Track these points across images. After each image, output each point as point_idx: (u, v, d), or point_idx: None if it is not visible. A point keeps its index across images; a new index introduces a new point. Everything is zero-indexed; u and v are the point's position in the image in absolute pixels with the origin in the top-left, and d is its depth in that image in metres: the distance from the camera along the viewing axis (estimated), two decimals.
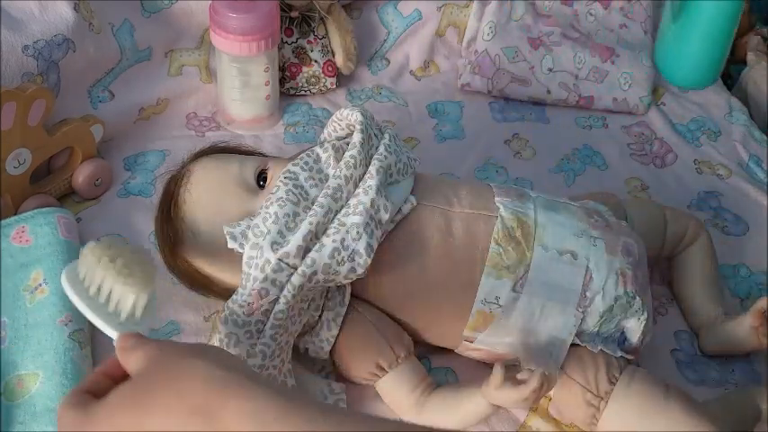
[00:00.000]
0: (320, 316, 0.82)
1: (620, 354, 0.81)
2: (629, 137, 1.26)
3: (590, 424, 0.80)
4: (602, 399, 0.78)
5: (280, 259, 0.75)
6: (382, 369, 0.81)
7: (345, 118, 0.87)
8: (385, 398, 0.83)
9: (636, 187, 1.16)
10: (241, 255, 0.78)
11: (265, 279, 0.75)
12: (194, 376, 0.54)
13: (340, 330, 0.82)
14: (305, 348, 0.84)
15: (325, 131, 0.91)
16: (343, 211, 0.79)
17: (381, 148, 0.84)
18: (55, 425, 0.75)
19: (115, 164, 1.10)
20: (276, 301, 0.76)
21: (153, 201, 1.03)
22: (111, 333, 0.67)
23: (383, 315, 0.83)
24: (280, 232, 0.77)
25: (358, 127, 0.84)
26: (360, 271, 0.77)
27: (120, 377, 0.60)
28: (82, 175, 1.03)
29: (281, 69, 1.23)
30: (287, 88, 1.24)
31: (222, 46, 1.10)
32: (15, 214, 0.95)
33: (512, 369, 0.78)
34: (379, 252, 0.79)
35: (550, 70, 1.28)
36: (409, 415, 0.81)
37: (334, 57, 1.26)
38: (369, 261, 0.77)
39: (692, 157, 1.23)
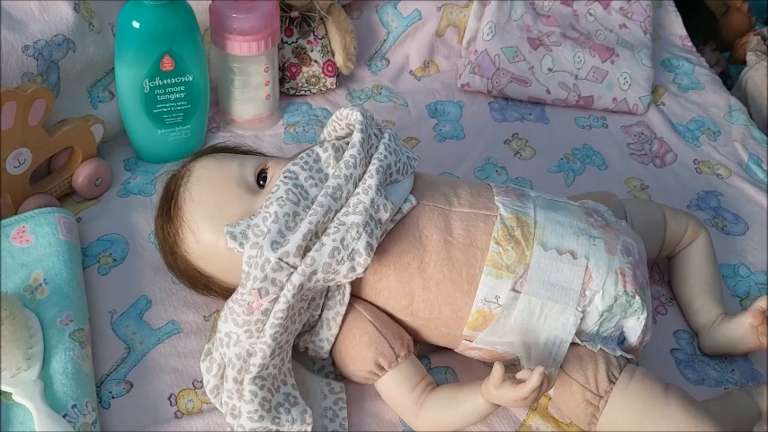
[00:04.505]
0: (320, 315, 0.82)
1: (619, 353, 0.81)
2: (629, 137, 1.26)
3: (589, 423, 0.80)
4: (601, 398, 0.78)
5: (279, 258, 0.75)
6: (382, 368, 0.81)
7: (345, 118, 0.87)
8: (385, 397, 0.83)
9: (636, 187, 1.16)
10: (241, 254, 0.78)
11: (265, 278, 0.75)
12: None
13: (340, 330, 0.82)
14: (305, 348, 0.84)
15: (325, 131, 0.91)
16: (342, 211, 0.79)
17: (381, 148, 0.84)
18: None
19: (115, 164, 1.10)
20: (276, 300, 0.76)
21: (153, 201, 1.03)
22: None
23: (383, 314, 0.83)
24: (280, 231, 0.77)
25: (358, 126, 0.84)
26: (359, 270, 0.77)
27: None
28: (82, 175, 1.03)
29: (281, 69, 1.23)
30: (287, 88, 1.25)
31: (222, 46, 1.10)
32: (15, 214, 0.95)
33: (511, 368, 0.78)
34: (378, 251, 0.79)
35: (550, 70, 1.28)
36: (409, 414, 0.81)
37: (334, 57, 1.26)
38: (369, 260, 0.77)
39: (691, 156, 1.23)
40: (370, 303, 0.83)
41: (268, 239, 0.76)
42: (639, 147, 1.24)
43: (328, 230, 0.77)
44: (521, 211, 0.83)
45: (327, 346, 0.82)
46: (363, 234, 0.77)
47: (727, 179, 1.19)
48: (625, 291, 0.81)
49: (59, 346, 0.81)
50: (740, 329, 0.89)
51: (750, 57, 1.50)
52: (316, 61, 1.24)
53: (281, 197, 0.79)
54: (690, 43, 1.48)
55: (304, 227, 0.77)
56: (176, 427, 0.81)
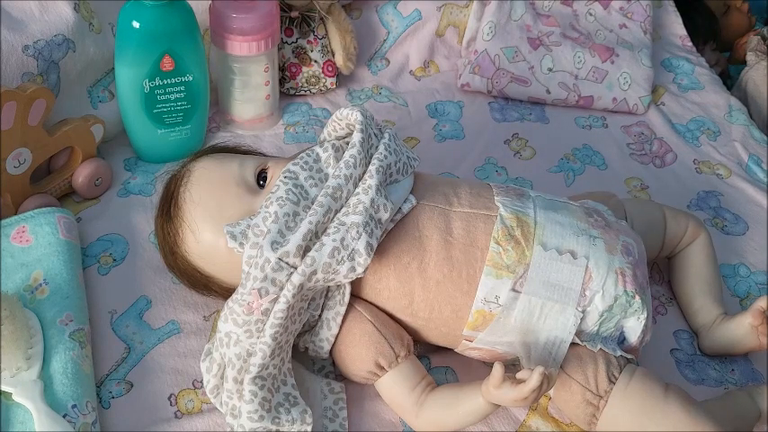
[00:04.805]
0: (320, 315, 0.82)
1: (619, 353, 0.81)
2: (629, 137, 1.26)
3: (589, 423, 0.80)
4: (601, 398, 0.78)
5: (279, 258, 0.75)
6: (382, 368, 0.81)
7: (345, 117, 0.87)
8: (385, 397, 0.83)
9: (635, 187, 1.16)
10: (241, 254, 0.78)
11: (265, 278, 0.75)
12: None
13: (340, 330, 0.82)
14: (305, 348, 0.84)
15: (325, 131, 0.91)
16: (342, 211, 0.79)
17: (381, 148, 0.84)
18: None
19: (115, 164, 1.10)
20: (276, 300, 0.76)
21: (153, 200, 1.03)
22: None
23: (383, 314, 0.83)
24: (280, 231, 0.77)
25: (358, 126, 0.84)
26: (359, 270, 0.77)
27: None
28: (82, 175, 1.03)
29: (281, 69, 1.23)
30: (287, 88, 1.25)
31: (222, 46, 1.10)
32: (15, 214, 0.95)
33: (511, 368, 0.78)
34: (378, 251, 0.79)
35: (550, 70, 1.28)
36: (409, 414, 0.81)
37: (334, 57, 1.26)
38: (369, 260, 0.77)
39: (691, 156, 1.23)
40: (371, 303, 0.83)
41: (268, 239, 0.76)
42: (639, 147, 1.24)
43: (328, 230, 0.77)
44: (521, 211, 0.83)
45: (327, 346, 0.82)
46: (363, 234, 0.77)
47: (727, 179, 1.19)
48: (625, 291, 0.81)
49: (59, 346, 0.81)
50: (740, 329, 0.89)
51: (750, 57, 1.50)
52: (316, 61, 1.24)
53: (281, 197, 0.79)
54: (690, 43, 1.48)
55: (304, 227, 0.77)
56: (176, 427, 0.81)
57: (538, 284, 0.80)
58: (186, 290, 0.92)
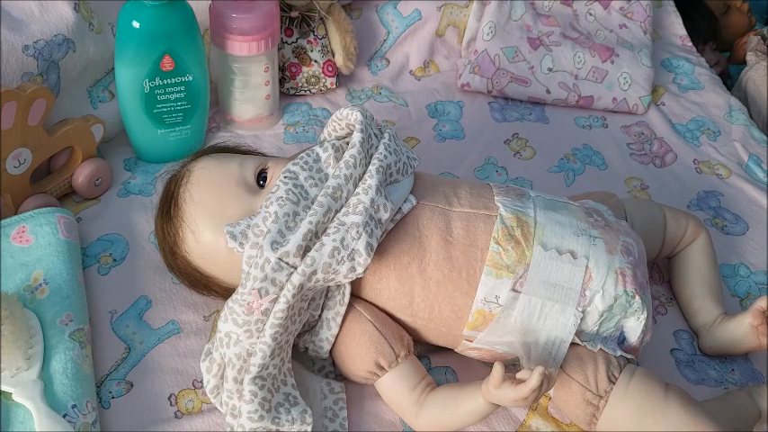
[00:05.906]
0: (320, 315, 0.82)
1: (619, 353, 0.81)
2: (629, 137, 1.26)
3: (589, 423, 0.80)
4: (601, 398, 0.78)
5: (279, 258, 0.75)
6: (382, 368, 0.81)
7: (345, 117, 0.87)
8: (385, 397, 0.83)
9: (635, 187, 1.16)
10: (241, 254, 0.78)
11: (265, 278, 0.75)
12: None
13: (340, 330, 0.82)
14: (305, 348, 0.84)
15: (325, 131, 0.91)
16: (342, 211, 0.79)
17: (381, 148, 0.84)
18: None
19: (115, 164, 1.10)
20: (276, 300, 0.76)
21: (153, 200, 1.03)
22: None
23: (383, 314, 0.83)
24: (280, 231, 0.77)
25: (358, 126, 0.84)
26: (359, 270, 0.77)
27: None
28: (82, 175, 1.03)
29: (281, 69, 1.23)
30: (287, 88, 1.25)
31: (222, 46, 1.10)
32: (15, 214, 0.95)
33: (511, 368, 0.78)
34: (378, 251, 0.79)
35: (550, 70, 1.28)
36: (409, 414, 0.81)
37: (334, 57, 1.26)
38: (369, 260, 0.77)
39: (691, 156, 1.23)
40: (371, 303, 0.83)
41: (268, 239, 0.76)
42: (639, 147, 1.24)
43: (328, 230, 0.77)
44: (521, 211, 0.83)
45: (327, 346, 0.82)
46: (363, 234, 0.77)
47: (727, 179, 1.19)
48: (625, 291, 0.81)
49: (59, 346, 0.81)
50: (740, 329, 0.89)
51: (750, 57, 1.51)
52: (316, 61, 1.24)
53: (281, 197, 0.79)
54: (690, 43, 1.48)
55: (304, 227, 0.77)
56: (176, 427, 0.81)
57: (538, 284, 0.80)
58: (186, 290, 0.92)
